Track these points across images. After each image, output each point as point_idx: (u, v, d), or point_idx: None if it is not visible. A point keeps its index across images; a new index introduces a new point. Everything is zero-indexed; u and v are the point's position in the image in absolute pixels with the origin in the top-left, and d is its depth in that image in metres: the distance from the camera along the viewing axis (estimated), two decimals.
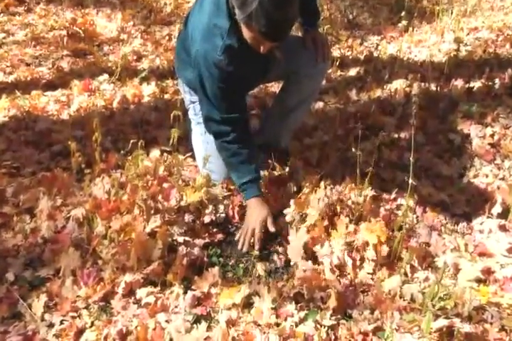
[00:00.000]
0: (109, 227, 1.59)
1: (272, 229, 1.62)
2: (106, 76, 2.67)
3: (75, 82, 2.60)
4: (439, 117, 2.29)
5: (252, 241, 1.62)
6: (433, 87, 2.48)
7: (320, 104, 2.38)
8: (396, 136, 2.16)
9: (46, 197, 1.72)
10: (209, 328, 1.35)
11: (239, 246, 1.61)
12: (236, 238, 1.63)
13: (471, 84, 2.46)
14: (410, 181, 1.43)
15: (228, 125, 1.66)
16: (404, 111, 2.29)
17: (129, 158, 1.87)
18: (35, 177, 1.85)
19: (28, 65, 2.88)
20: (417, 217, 1.74)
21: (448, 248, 1.59)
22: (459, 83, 2.47)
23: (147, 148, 1.94)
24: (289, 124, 1.97)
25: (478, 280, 1.48)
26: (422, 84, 2.50)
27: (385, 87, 2.54)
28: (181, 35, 1.84)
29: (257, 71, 1.70)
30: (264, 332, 1.31)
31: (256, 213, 1.63)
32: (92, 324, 1.37)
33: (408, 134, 2.12)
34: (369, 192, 1.72)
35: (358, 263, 1.52)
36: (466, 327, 1.30)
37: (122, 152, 1.92)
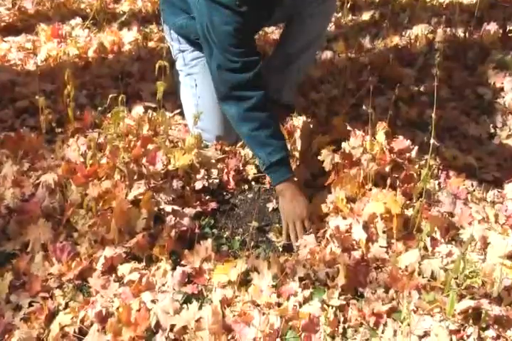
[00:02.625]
0: (86, 195, 1.57)
1: (308, 227, 1.53)
2: (79, 20, 2.61)
3: (41, 26, 2.53)
4: (467, 68, 2.25)
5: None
6: (461, 32, 2.42)
7: (328, 54, 2.34)
8: (416, 90, 2.12)
9: (11, 160, 1.69)
10: (201, 308, 1.33)
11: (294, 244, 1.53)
12: (284, 238, 1.54)
13: (507, 29, 2.40)
14: (432, 142, 1.40)
15: (247, 71, 1.56)
16: (426, 61, 2.24)
17: (108, 115, 1.85)
18: None
19: None
20: (440, 183, 1.70)
21: (475, 219, 1.56)
22: (491, 28, 2.39)
23: (129, 104, 1.93)
24: (293, 76, 1.94)
25: (510, 257, 1.44)
26: (448, 29, 2.44)
27: (403, 33, 2.49)
28: None
29: (264, 11, 1.65)
30: (264, 313, 1.30)
31: (293, 205, 1.54)
32: (67, 305, 1.35)
33: (430, 88, 2.07)
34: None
35: (370, 234, 1.49)
36: (496, 310, 1.27)
37: (100, 108, 1.89)
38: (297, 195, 1.55)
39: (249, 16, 1.52)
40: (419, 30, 2.44)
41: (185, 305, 1.34)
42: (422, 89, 2.11)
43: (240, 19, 1.52)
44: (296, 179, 1.60)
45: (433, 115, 1.38)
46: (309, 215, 1.54)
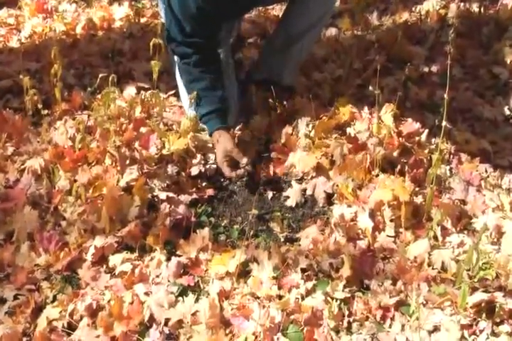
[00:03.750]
0: (75, 181, 1.56)
1: (242, 160, 1.64)
2: None
3: (25, 0, 2.52)
4: (481, 46, 2.24)
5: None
6: (475, 7, 2.41)
7: (332, 31, 2.34)
8: (426, 69, 2.11)
9: None
10: (197, 301, 1.32)
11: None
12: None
13: None
14: (443, 125, 1.39)
15: (191, 48, 1.66)
16: (438, 38, 2.25)
17: (98, 96, 1.87)
18: None
19: None
20: (451, 168, 1.69)
21: (489, 207, 1.54)
22: (509, 2, 2.42)
23: (120, 84, 1.92)
24: (295, 55, 1.92)
25: None
26: (461, 4, 2.46)
27: (413, 8, 2.49)
28: None
29: None
30: (264, 306, 1.29)
31: (220, 149, 1.65)
32: (55, 298, 1.34)
33: (442, 67, 2.07)
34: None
35: (377, 222, 1.49)
36: (510, 303, 1.26)
37: (89, 89, 1.91)
38: (227, 140, 1.65)
39: None
40: (430, 5, 2.45)
41: (180, 298, 1.33)
42: (432, 68, 2.10)
43: None
44: (229, 130, 1.71)
45: (445, 96, 1.36)
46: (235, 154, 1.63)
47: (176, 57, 1.72)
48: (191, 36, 1.61)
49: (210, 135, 1.69)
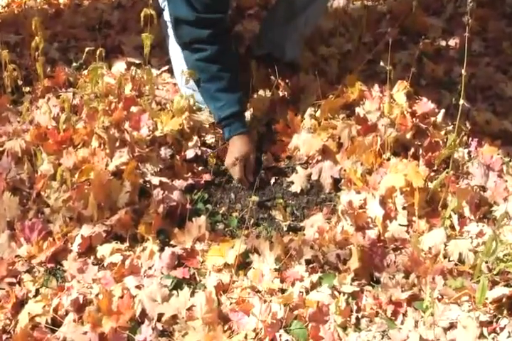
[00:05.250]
0: (59, 165, 1.56)
1: (250, 177, 1.65)
2: None
3: None
4: (504, 17, 2.22)
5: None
6: None
7: (340, 1, 2.32)
8: (443, 43, 2.11)
9: None
10: (193, 295, 1.33)
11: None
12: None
13: None
14: (462, 103, 1.37)
15: (206, 28, 1.60)
16: (456, 9, 2.23)
17: (84, 72, 1.89)
18: None
19: None
20: (470, 152, 1.70)
21: (511, 193, 1.55)
22: None
23: (108, 59, 1.91)
24: (299, 29, 1.90)
25: None
26: None
27: None
28: None
29: None
30: (265, 301, 1.30)
31: (236, 151, 1.64)
32: (38, 292, 1.34)
33: (460, 41, 2.05)
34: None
35: (388, 210, 1.48)
36: None
37: (74, 64, 1.93)
38: (238, 147, 1.63)
39: None
40: None
41: (174, 292, 1.33)
42: (450, 42, 2.09)
43: None
44: (249, 134, 1.70)
45: (463, 72, 1.34)
46: (241, 167, 1.62)
47: (186, 54, 1.67)
48: (205, 12, 1.56)
49: (228, 139, 1.67)
